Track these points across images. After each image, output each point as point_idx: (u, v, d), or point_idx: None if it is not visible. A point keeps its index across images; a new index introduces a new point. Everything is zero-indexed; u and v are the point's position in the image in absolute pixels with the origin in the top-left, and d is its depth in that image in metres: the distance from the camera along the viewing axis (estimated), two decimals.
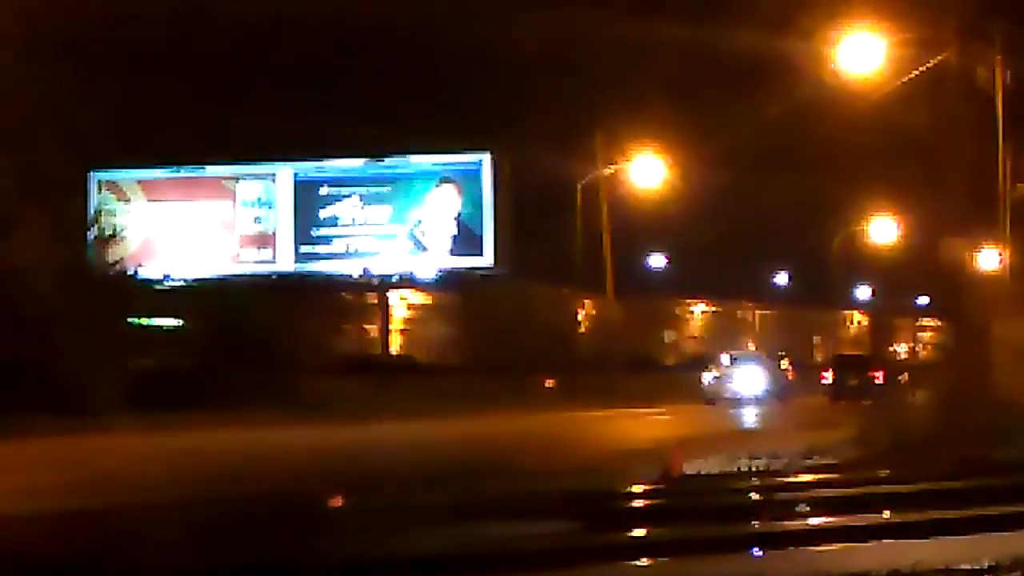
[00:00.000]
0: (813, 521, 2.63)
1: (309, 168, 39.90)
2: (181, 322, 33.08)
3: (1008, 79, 21.03)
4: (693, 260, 52.60)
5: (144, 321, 31.58)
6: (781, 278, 64.36)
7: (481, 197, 39.09)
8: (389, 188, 39.60)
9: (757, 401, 35.36)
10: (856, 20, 24.09)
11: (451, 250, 39.19)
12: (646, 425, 25.36)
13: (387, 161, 39.60)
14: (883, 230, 53.91)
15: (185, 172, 40.00)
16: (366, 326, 42.30)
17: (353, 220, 39.61)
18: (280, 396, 27.33)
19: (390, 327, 41.59)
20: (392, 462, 15.01)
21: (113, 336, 27.27)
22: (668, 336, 55.98)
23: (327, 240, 39.70)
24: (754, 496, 3.12)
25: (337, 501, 3.15)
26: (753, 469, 11.79)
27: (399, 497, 3.61)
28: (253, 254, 39.92)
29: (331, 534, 2.69)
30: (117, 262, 32.71)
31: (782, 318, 63.75)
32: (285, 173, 39.94)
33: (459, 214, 39.21)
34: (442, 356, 42.50)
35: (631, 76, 39.37)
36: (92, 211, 37.22)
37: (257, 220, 40.05)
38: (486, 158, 39.12)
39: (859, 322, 68.45)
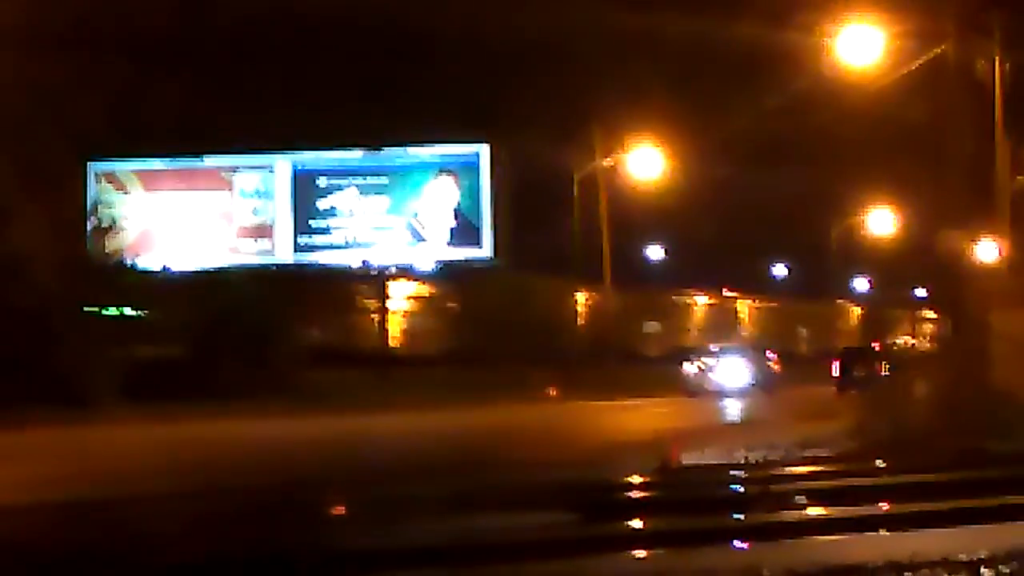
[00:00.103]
0: (811, 512, 2.64)
1: (307, 159, 39.85)
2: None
3: (1007, 71, 21.05)
4: (691, 252, 52.64)
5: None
6: (779, 269, 64.32)
7: (479, 188, 39.05)
8: (387, 179, 39.56)
9: (740, 393, 34.43)
10: (855, 12, 24.08)
11: (449, 241, 39.16)
12: (644, 417, 25.35)
13: (385, 152, 39.55)
14: (881, 222, 54.05)
15: (183, 163, 39.93)
16: (364, 317, 42.26)
17: (351, 211, 39.56)
18: (278, 387, 27.37)
19: (388, 318, 41.54)
20: (391, 453, 15.03)
21: (110, 326, 27.28)
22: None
23: (325, 231, 39.66)
24: (752, 488, 3.13)
25: (336, 493, 3.16)
26: (751, 461, 11.78)
27: (398, 488, 3.62)
28: (251, 245, 39.86)
29: (330, 525, 2.70)
30: (115, 253, 32.70)
31: (778, 310, 63.62)
32: (283, 164, 39.89)
33: (457, 205, 39.18)
34: (440, 347, 42.46)
35: (629, 67, 39.32)
36: (90, 202, 37.21)
37: (255, 211, 39.99)
38: (484, 149, 39.07)
39: (858, 315, 68.39)
